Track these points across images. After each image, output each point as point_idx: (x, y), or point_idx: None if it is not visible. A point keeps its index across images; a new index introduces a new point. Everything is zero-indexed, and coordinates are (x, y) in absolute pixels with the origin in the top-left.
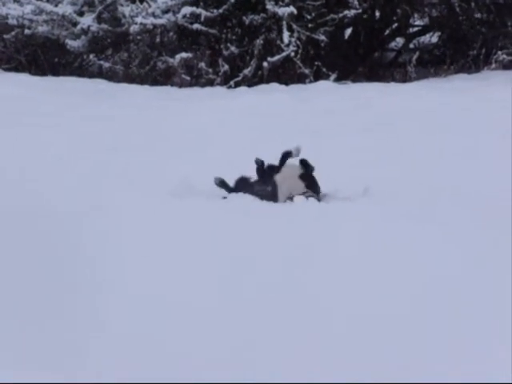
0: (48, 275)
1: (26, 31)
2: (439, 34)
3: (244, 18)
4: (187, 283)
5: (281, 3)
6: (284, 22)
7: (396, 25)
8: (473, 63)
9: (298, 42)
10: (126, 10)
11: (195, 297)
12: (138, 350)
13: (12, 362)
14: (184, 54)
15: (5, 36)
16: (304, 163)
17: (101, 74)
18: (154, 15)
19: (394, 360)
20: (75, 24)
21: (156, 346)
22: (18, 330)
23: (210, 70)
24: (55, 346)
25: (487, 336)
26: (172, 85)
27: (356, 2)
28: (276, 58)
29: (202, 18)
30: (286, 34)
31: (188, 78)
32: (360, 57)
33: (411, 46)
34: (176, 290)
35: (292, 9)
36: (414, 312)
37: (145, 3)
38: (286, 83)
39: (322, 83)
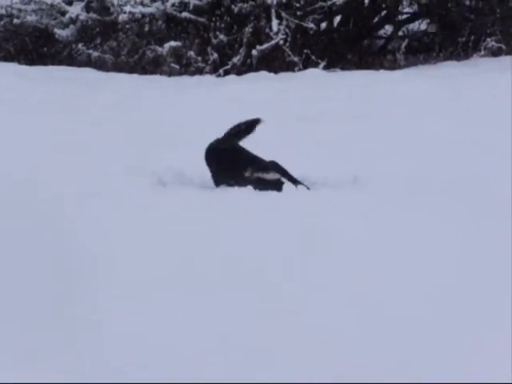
0: (45, 273)
1: (15, 21)
2: (428, 21)
3: (233, 6)
4: (185, 282)
5: None
6: (273, 10)
7: (385, 12)
8: (462, 50)
9: (287, 30)
10: None
11: (193, 295)
12: (138, 350)
13: (12, 362)
14: (173, 43)
15: None
16: None
17: (90, 63)
18: (142, 4)
19: (393, 359)
20: (64, 13)
21: (156, 346)
22: (17, 329)
23: (199, 59)
24: (55, 346)
25: (487, 336)
26: (161, 73)
27: None
28: (265, 46)
29: (191, 7)
30: (274, 22)
31: (177, 67)
32: (349, 44)
33: (400, 33)
34: (174, 288)
35: None
36: (406, 306)
37: None
38: (275, 71)
39: (311, 71)
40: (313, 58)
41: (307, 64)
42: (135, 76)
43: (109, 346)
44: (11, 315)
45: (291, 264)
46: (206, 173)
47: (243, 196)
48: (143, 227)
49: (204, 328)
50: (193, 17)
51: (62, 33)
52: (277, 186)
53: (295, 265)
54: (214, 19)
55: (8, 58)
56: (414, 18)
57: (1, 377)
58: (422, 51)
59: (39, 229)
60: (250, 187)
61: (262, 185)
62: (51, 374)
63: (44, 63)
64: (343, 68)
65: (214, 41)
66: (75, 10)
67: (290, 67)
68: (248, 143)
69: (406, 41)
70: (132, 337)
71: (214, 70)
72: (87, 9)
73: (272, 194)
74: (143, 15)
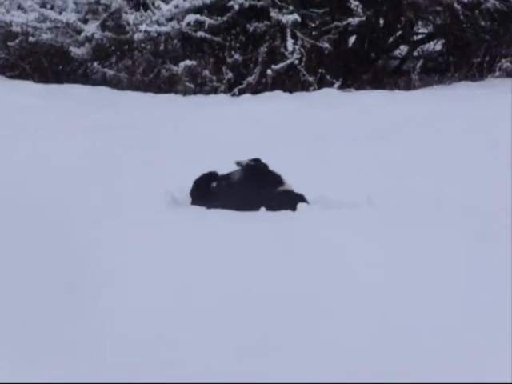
0: (48, 278)
1: (30, 38)
2: (443, 41)
3: (248, 25)
4: (192, 303)
5: (285, 11)
6: (288, 30)
7: (400, 32)
8: (477, 71)
9: (302, 50)
10: (130, 17)
11: (196, 302)
12: (138, 350)
13: (11, 362)
14: (188, 62)
15: (8, 43)
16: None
17: (105, 81)
18: (158, 23)
19: (393, 359)
20: (79, 31)
21: (155, 346)
22: (17, 329)
23: (214, 78)
24: (54, 346)
25: (487, 336)
26: (176, 92)
27: (360, 10)
28: (280, 65)
29: (206, 26)
30: (289, 42)
31: (192, 86)
32: (364, 64)
33: (415, 53)
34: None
35: (296, 16)
36: (413, 315)
37: (149, 11)
38: (290, 91)
39: (325, 91)
40: (328, 77)
41: (322, 83)
42: (150, 95)
43: (108, 345)
44: (11, 315)
45: (302, 283)
46: None
47: (255, 216)
48: (153, 247)
49: (208, 333)
50: (208, 36)
51: (77, 51)
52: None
53: (306, 284)
54: (229, 38)
55: (23, 76)
56: (428, 38)
57: (1, 377)
58: (437, 72)
59: (51, 245)
60: (263, 208)
61: (280, 201)
62: (51, 373)
63: (59, 81)
64: (358, 88)
65: (229, 60)
66: (90, 28)
67: (304, 87)
68: (264, 162)
69: (421, 61)
70: (132, 337)
71: (229, 89)
72: (102, 27)
73: (285, 213)
74: (159, 34)
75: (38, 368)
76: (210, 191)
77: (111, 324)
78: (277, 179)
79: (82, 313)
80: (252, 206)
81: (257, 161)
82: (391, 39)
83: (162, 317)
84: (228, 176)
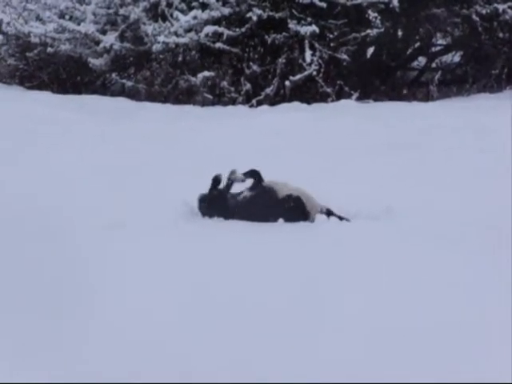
0: (52, 281)
1: (49, 49)
2: (461, 53)
3: (266, 36)
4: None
5: (303, 22)
6: (306, 41)
7: (418, 44)
8: (495, 82)
9: (320, 61)
10: (148, 28)
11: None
12: (137, 350)
13: (11, 362)
14: (206, 73)
15: (27, 54)
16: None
17: (123, 92)
18: (176, 34)
19: (394, 360)
20: (98, 42)
21: (155, 346)
22: (18, 330)
23: (233, 89)
24: (54, 346)
25: (487, 336)
26: (194, 103)
27: (378, 21)
28: (298, 76)
29: (225, 37)
30: (308, 53)
31: (210, 97)
32: (382, 76)
33: (433, 65)
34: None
35: (314, 28)
36: (420, 322)
37: (167, 22)
38: (308, 102)
39: (344, 102)
40: (346, 89)
41: (340, 95)
42: (168, 106)
43: (108, 345)
44: (12, 316)
45: (311, 293)
46: None
47: (273, 227)
48: (162, 256)
49: (213, 351)
50: (226, 47)
51: (95, 62)
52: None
53: (315, 294)
54: (247, 50)
55: (42, 86)
56: (447, 50)
57: (1, 377)
58: (455, 83)
59: (59, 250)
60: (281, 220)
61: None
62: (50, 373)
63: (78, 92)
64: (376, 99)
65: (248, 71)
66: (109, 39)
67: (323, 98)
68: (281, 172)
69: (439, 72)
70: (131, 337)
71: (247, 101)
72: (121, 38)
73: (303, 224)
74: (177, 45)
75: (38, 368)
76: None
77: (111, 325)
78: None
79: (83, 313)
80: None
81: (253, 172)
82: (409, 50)
83: (161, 317)
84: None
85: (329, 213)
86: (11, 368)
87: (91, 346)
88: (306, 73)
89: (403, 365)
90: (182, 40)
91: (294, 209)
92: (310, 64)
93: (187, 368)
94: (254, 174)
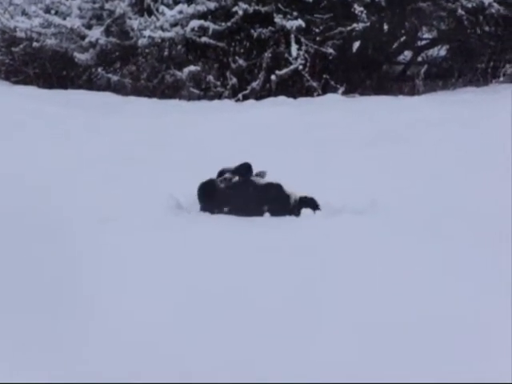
0: (49, 279)
1: (35, 44)
2: (447, 47)
3: (252, 31)
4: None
5: (289, 16)
6: (292, 36)
7: (404, 38)
8: (481, 76)
9: (306, 55)
10: (134, 23)
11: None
12: (137, 350)
13: (11, 362)
14: (192, 67)
15: (13, 49)
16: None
17: (109, 87)
18: (162, 28)
19: (392, 359)
20: (83, 37)
21: (155, 346)
22: (18, 330)
23: (218, 83)
24: (54, 346)
25: (487, 336)
26: (180, 98)
27: (364, 16)
28: (284, 71)
29: (211, 32)
30: (294, 47)
31: (196, 91)
32: (368, 70)
33: (419, 59)
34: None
35: (300, 22)
36: (416, 319)
37: (153, 16)
38: (294, 96)
39: (329, 96)
40: (332, 83)
41: (326, 89)
42: (154, 100)
43: (108, 345)
44: (13, 317)
45: (301, 290)
46: None
47: (259, 221)
48: (155, 252)
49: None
50: (212, 41)
51: (81, 57)
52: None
53: (305, 290)
54: (233, 44)
55: (28, 81)
56: (433, 43)
57: (1, 377)
58: (441, 77)
59: (54, 247)
60: (267, 214)
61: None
62: (50, 372)
63: (63, 87)
64: (362, 93)
65: (233, 65)
66: (95, 34)
67: (309, 92)
68: (267, 167)
69: (425, 67)
70: (131, 337)
71: (233, 95)
72: (107, 33)
73: (289, 219)
74: (163, 40)
75: (38, 368)
76: (216, 197)
77: (111, 325)
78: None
79: (83, 313)
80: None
81: (244, 166)
82: (395, 45)
83: (161, 318)
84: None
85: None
86: (11, 368)
87: (91, 346)
88: (291, 67)
89: (402, 365)
90: (167, 34)
91: (277, 197)
92: (295, 58)
93: (187, 368)
94: (244, 167)
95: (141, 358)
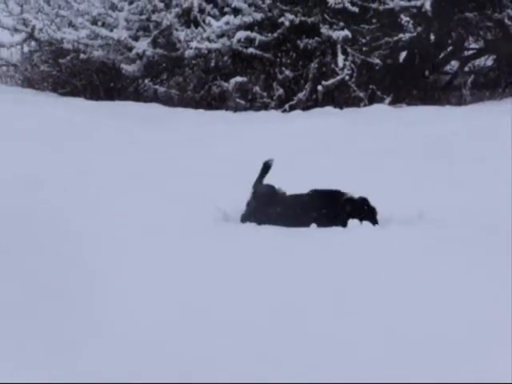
0: (53, 280)
1: (82, 56)
2: (494, 57)
3: (298, 41)
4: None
5: (335, 27)
6: (338, 46)
7: (451, 48)
8: None
9: (353, 66)
10: (181, 34)
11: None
12: (137, 350)
13: (11, 362)
14: (239, 78)
15: (60, 60)
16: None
17: (156, 98)
18: (208, 40)
19: (393, 359)
20: (130, 49)
21: (155, 346)
22: (18, 330)
23: (265, 94)
24: (54, 346)
25: (487, 337)
26: (227, 109)
27: (410, 26)
28: (330, 81)
29: (257, 42)
30: (340, 58)
31: (243, 102)
32: (415, 80)
33: (466, 69)
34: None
35: (346, 32)
36: (424, 323)
37: (200, 28)
38: (341, 107)
39: (376, 106)
40: (378, 93)
41: (373, 99)
42: (201, 111)
43: (108, 345)
44: (13, 317)
45: (339, 296)
46: None
47: (304, 232)
48: (203, 260)
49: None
50: (259, 52)
51: (128, 68)
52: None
53: (343, 297)
54: (279, 55)
55: (75, 93)
56: (479, 53)
57: (1, 377)
58: (488, 87)
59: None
60: (313, 225)
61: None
62: (50, 372)
63: (110, 98)
64: (409, 103)
65: (280, 76)
66: (142, 45)
67: (355, 103)
68: (313, 177)
69: (472, 76)
70: (131, 337)
71: (280, 106)
72: (154, 44)
73: (336, 229)
74: (209, 51)
75: (38, 368)
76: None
77: (111, 325)
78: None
79: (83, 313)
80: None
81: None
82: (442, 55)
83: (161, 317)
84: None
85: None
86: (11, 368)
87: (91, 346)
88: (338, 77)
89: (403, 365)
90: (214, 45)
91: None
92: (342, 68)
93: (187, 368)
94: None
95: (141, 358)
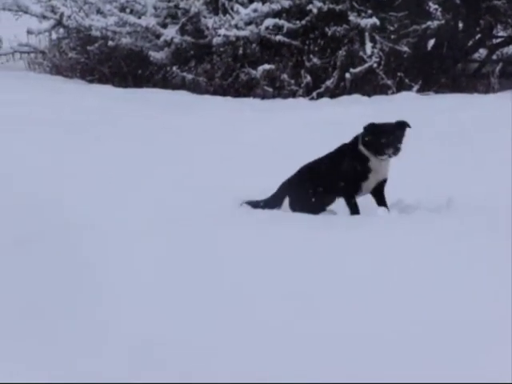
0: (53, 278)
1: (110, 43)
2: None
3: (327, 29)
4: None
5: (363, 14)
6: (367, 34)
7: (479, 36)
8: None
9: (381, 53)
10: (209, 21)
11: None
12: (137, 350)
13: (11, 362)
14: (266, 66)
15: (88, 47)
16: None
17: (184, 85)
18: (236, 27)
19: (393, 359)
20: (158, 36)
21: (155, 346)
22: (18, 330)
23: (293, 82)
24: (54, 346)
25: (487, 336)
26: (254, 96)
27: (439, 13)
28: (358, 69)
29: (285, 30)
30: (368, 46)
31: (270, 90)
32: (443, 67)
33: (494, 57)
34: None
35: (375, 20)
36: (423, 321)
37: (228, 15)
38: (369, 94)
39: (404, 94)
40: (406, 80)
41: (401, 87)
42: (229, 99)
43: (108, 345)
44: (13, 317)
45: (362, 281)
46: None
47: (325, 217)
48: (216, 254)
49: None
50: (287, 40)
51: (156, 55)
52: None
53: (366, 283)
54: (307, 42)
55: (103, 80)
56: (508, 41)
57: (1, 377)
58: None
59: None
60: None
61: None
62: (50, 372)
63: (139, 86)
64: (437, 91)
65: (308, 64)
66: (170, 32)
67: (383, 90)
68: None
69: (500, 64)
70: (131, 337)
71: (307, 93)
72: (182, 32)
73: (363, 218)
74: (237, 38)
75: (38, 368)
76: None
77: (111, 325)
78: None
79: (83, 313)
80: None
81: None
82: (470, 42)
83: (161, 317)
84: None
85: None
86: (11, 368)
87: (91, 346)
88: (366, 65)
89: (403, 365)
90: (242, 33)
91: None
92: (370, 56)
93: (187, 368)
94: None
95: (141, 358)
